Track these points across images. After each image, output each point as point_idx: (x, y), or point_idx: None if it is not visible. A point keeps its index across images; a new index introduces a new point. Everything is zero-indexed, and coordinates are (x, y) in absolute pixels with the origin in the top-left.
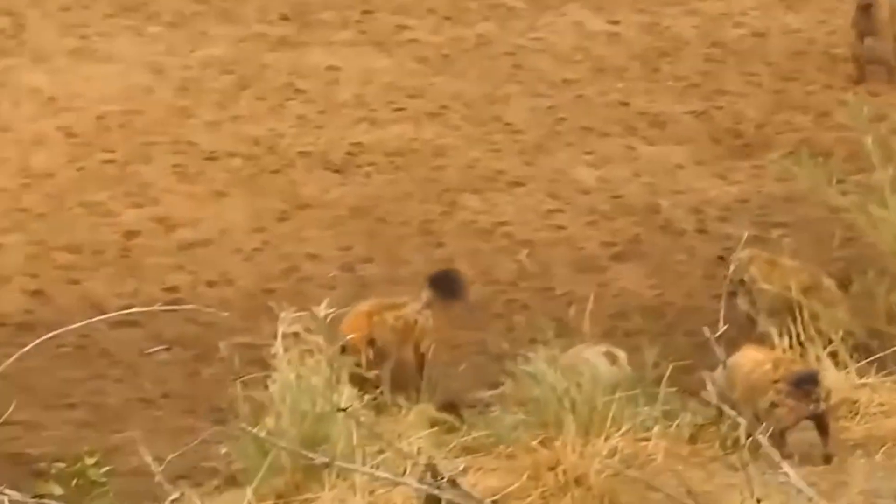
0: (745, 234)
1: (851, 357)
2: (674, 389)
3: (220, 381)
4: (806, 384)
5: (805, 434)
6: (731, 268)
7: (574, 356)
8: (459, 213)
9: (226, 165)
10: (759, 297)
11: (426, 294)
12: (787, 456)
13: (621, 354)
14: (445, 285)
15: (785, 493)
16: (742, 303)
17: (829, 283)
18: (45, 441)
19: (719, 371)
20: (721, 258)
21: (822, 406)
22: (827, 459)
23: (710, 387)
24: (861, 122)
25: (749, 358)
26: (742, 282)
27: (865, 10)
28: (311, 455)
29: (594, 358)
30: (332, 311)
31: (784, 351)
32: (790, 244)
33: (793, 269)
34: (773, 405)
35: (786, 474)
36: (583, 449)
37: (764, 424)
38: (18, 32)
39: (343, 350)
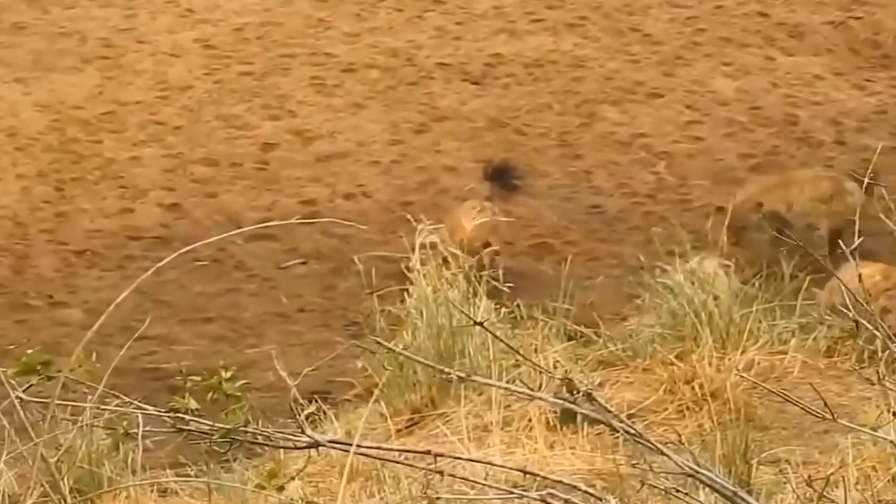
0: (881, 145)
1: None
2: (811, 302)
3: (356, 294)
4: None
5: None
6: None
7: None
8: (598, 124)
9: (363, 77)
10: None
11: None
12: None
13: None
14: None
15: None
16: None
17: (852, 186)
18: (180, 355)
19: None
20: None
21: None
22: None
23: (821, 303)
24: None
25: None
26: (774, 216)
27: None
28: (446, 370)
29: (712, 269)
30: (474, 221)
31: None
32: None
33: (811, 181)
34: (885, 310)
35: None
36: (719, 362)
37: None
38: None
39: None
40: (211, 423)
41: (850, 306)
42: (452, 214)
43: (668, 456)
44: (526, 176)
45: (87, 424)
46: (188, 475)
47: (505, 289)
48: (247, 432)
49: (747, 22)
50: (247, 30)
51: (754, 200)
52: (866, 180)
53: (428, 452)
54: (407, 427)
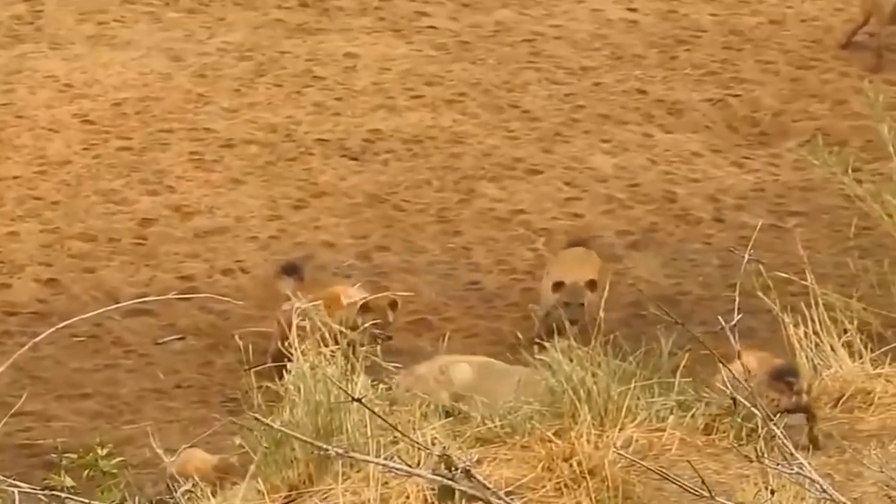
0: (760, 223)
1: (866, 347)
2: (689, 380)
3: (233, 371)
4: (786, 376)
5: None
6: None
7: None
8: (477, 200)
9: (242, 153)
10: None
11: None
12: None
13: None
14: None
15: (799, 484)
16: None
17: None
18: (56, 432)
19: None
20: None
21: (805, 398)
22: (814, 443)
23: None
24: (877, 111)
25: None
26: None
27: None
28: (324, 446)
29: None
30: (351, 299)
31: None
32: (805, 233)
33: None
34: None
35: (800, 465)
36: (597, 439)
37: (778, 416)
38: (35, 18)
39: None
40: (87, 500)
41: (728, 384)
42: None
43: None
44: (404, 252)
45: None
46: None
47: (390, 367)
48: None
49: (626, 99)
50: (126, 105)
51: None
52: (746, 257)
53: None
54: None
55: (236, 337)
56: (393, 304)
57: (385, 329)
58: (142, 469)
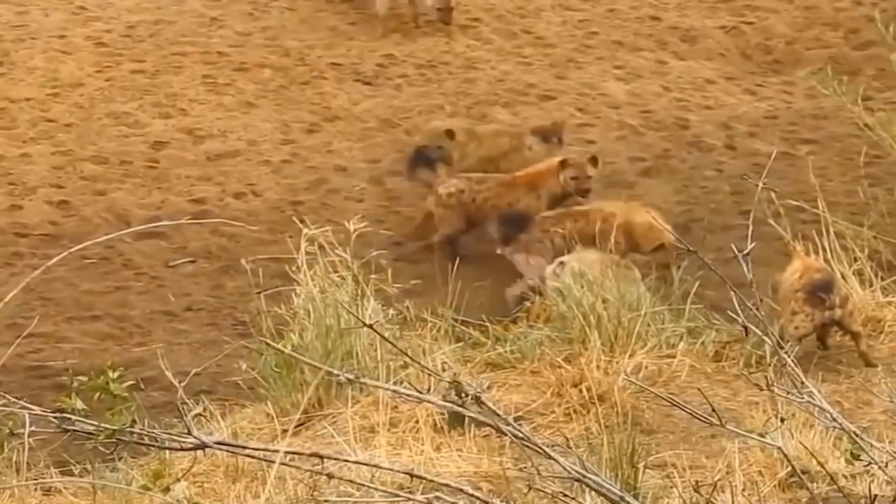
0: (774, 151)
1: (877, 275)
2: (699, 306)
3: (244, 294)
4: (820, 291)
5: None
6: None
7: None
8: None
9: (255, 76)
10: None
11: None
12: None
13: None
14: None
15: (809, 412)
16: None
17: (532, 140)
18: (67, 353)
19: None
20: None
21: (839, 312)
22: (867, 363)
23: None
24: (890, 40)
25: (794, 268)
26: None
27: None
28: (334, 371)
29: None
30: (360, 225)
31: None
32: (817, 161)
33: (491, 134)
34: (793, 313)
35: (810, 393)
36: (607, 365)
37: (790, 343)
38: None
39: None
40: (97, 422)
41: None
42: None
43: (555, 459)
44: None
45: None
46: (73, 475)
47: (393, 290)
48: (132, 433)
49: (639, 26)
50: (139, 28)
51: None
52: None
53: (314, 455)
54: (294, 427)
55: (243, 262)
56: (594, 160)
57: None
58: (153, 390)
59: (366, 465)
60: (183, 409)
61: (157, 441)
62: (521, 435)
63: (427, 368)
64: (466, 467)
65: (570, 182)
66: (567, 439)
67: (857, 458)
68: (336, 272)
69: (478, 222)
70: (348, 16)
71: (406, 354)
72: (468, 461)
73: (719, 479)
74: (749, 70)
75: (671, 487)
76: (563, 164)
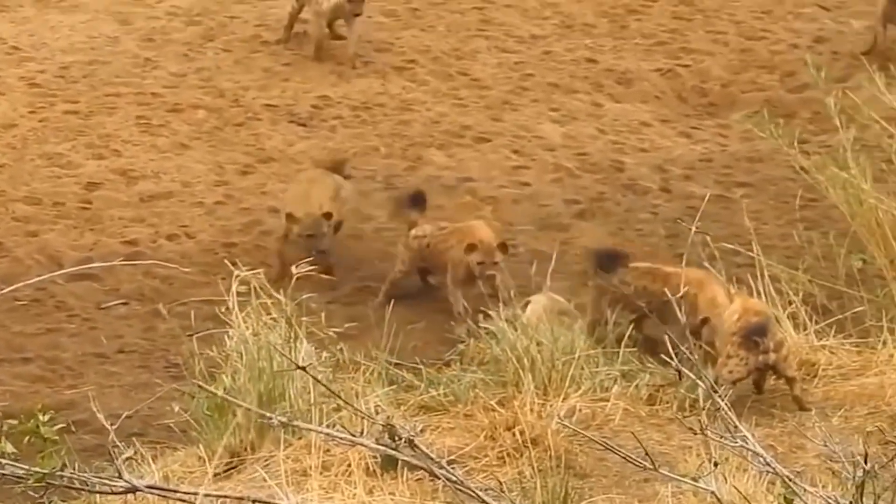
0: (709, 194)
1: (811, 319)
2: (633, 349)
3: (177, 336)
4: (755, 335)
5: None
6: None
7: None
8: (424, 168)
9: (189, 117)
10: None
11: None
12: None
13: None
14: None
15: (742, 456)
16: None
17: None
18: None
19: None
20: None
21: (773, 357)
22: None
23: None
24: (825, 83)
25: (733, 310)
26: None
27: None
28: (266, 414)
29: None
30: (302, 269)
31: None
32: (752, 204)
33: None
34: (728, 356)
35: (743, 437)
36: (541, 409)
37: (723, 387)
38: None
39: None
40: (27, 466)
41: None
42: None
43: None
44: (351, 218)
45: None
46: None
47: (328, 333)
48: (63, 476)
49: (575, 68)
50: (72, 69)
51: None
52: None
53: (244, 498)
54: (225, 471)
55: (163, 310)
56: (503, 247)
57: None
58: (84, 433)
59: None
60: (114, 452)
61: (87, 485)
62: (454, 479)
63: (360, 411)
64: None
65: (476, 266)
66: (500, 483)
67: (790, 502)
68: (269, 315)
69: (428, 267)
70: (283, 57)
71: (339, 397)
72: None
73: None
74: (684, 113)
75: None
76: (471, 247)
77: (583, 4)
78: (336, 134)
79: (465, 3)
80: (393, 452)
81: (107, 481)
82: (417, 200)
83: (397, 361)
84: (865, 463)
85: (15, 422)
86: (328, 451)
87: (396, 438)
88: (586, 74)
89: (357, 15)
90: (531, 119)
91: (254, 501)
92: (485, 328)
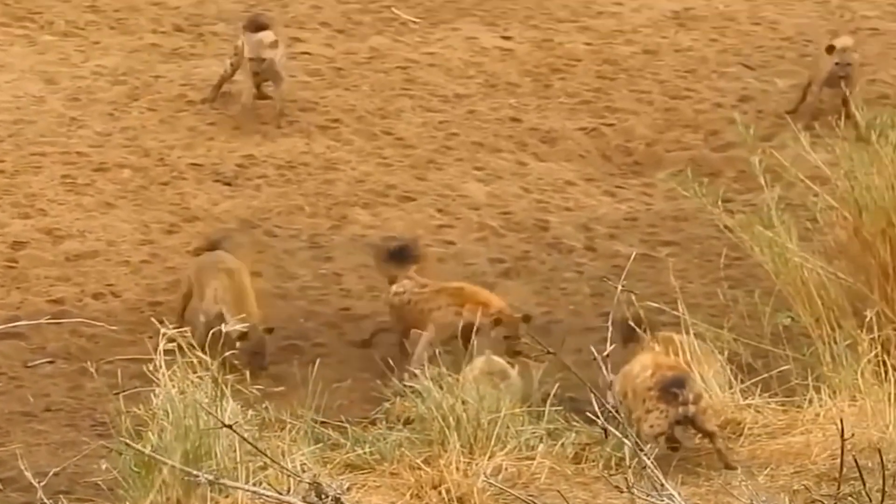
0: (634, 252)
1: (736, 378)
2: (559, 408)
3: (103, 395)
4: (674, 387)
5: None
6: None
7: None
8: (349, 227)
9: (115, 177)
10: None
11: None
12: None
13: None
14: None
15: None
16: None
17: None
18: None
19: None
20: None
21: (692, 409)
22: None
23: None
24: (749, 142)
25: (640, 364)
26: None
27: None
28: (193, 472)
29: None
30: (241, 326)
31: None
32: (677, 263)
33: None
34: (648, 410)
35: (670, 496)
36: (467, 467)
37: (649, 445)
38: None
39: None
40: None
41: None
42: None
43: None
44: (276, 278)
45: None
46: None
47: (253, 392)
48: None
49: (499, 127)
50: None
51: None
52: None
53: None
54: None
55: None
56: (527, 318)
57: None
58: (11, 491)
59: None
60: None
61: None
62: None
63: (287, 469)
64: None
65: (501, 340)
66: None
67: None
68: (195, 373)
69: (407, 325)
70: (208, 116)
71: (266, 455)
72: None
73: None
74: (609, 172)
75: None
76: (497, 322)
77: (507, 64)
78: (261, 193)
79: (389, 63)
80: None
81: None
82: (400, 255)
83: (323, 420)
84: None
85: None
86: None
87: (323, 497)
88: (511, 133)
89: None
90: (456, 178)
91: None
92: (410, 387)
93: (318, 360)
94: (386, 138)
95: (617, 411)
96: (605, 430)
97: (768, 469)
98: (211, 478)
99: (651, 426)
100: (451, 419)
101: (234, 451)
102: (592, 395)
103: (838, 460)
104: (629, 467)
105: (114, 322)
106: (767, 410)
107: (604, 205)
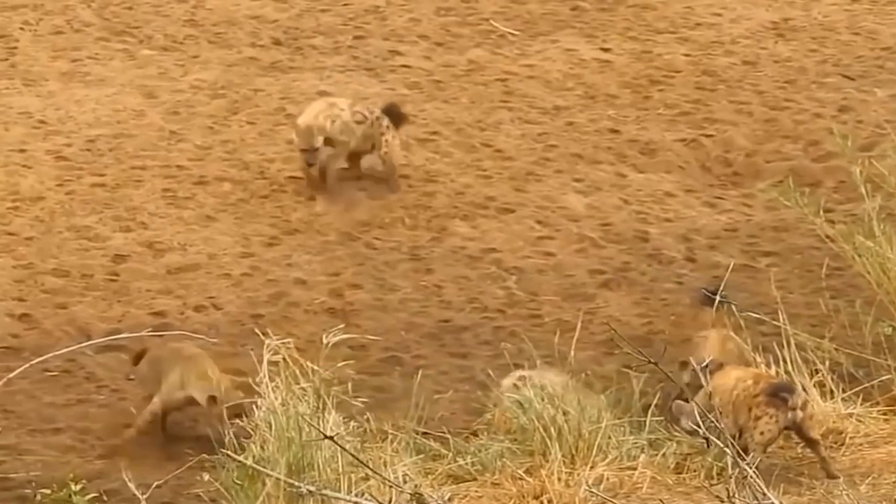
0: (733, 263)
1: (838, 387)
2: (660, 418)
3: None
4: (783, 392)
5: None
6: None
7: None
8: (448, 239)
9: (215, 190)
10: None
11: None
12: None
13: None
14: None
15: None
16: None
17: None
18: (29, 466)
19: (697, 399)
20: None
21: (800, 414)
22: (829, 473)
23: (684, 420)
24: (849, 152)
25: (732, 377)
26: None
27: None
28: (295, 483)
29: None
30: (337, 337)
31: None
32: (778, 273)
33: None
34: (756, 417)
35: None
36: (568, 477)
37: (751, 455)
38: (10, 55)
39: None
40: None
41: (700, 423)
42: None
43: None
44: (376, 290)
45: None
46: None
47: (357, 403)
48: None
49: (599, 139)
50: (99, 142)
51: None
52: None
53: None
54: None
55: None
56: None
57: None
58: (115, 503)
59: None
60: None
61: None
62: None
63: (388, 480)
64: None
65: None
66: None
67: None
68: (297, 384)
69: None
70: None
71: (367, 466)
72: None
73: None
74: (709, 182)
75: None
76: None
77: (606, 75)
78: (361, 206)
79: (487, 75)
80: None
81: None
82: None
83: (425, 431)
84: None
85: (48, 491)
86: None
87: None
88: (610, 145)
89: None
90: (555, 190)
91: None
92: (511, 397)
93: (419, 372)
94: (485, 150)
95: (718, 420)
96: (707, 439)
97: (870, 478)
98: (313, 489)
99: (762, 433)
100: (552, 430)
101: (337, 462)
102: (694, 406)
103: None
104: (731, 477)
105: (215, 335)
106: (869, 420)
107: (704, 216)
